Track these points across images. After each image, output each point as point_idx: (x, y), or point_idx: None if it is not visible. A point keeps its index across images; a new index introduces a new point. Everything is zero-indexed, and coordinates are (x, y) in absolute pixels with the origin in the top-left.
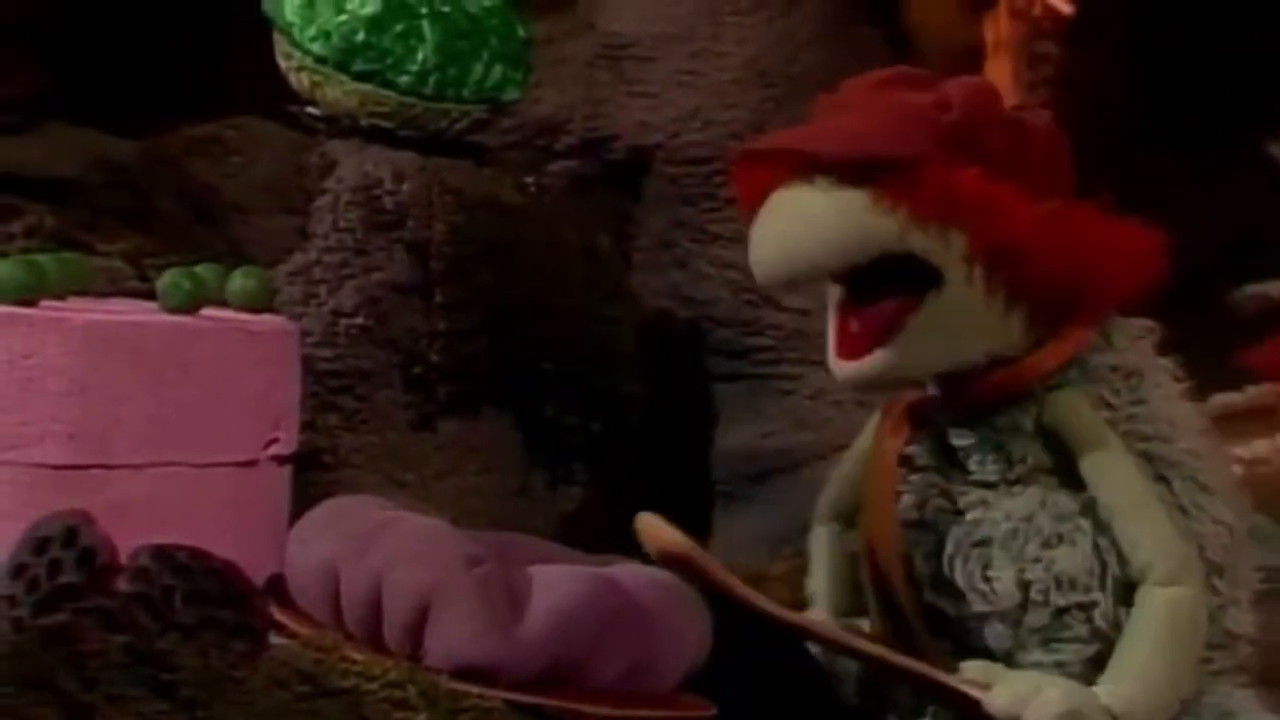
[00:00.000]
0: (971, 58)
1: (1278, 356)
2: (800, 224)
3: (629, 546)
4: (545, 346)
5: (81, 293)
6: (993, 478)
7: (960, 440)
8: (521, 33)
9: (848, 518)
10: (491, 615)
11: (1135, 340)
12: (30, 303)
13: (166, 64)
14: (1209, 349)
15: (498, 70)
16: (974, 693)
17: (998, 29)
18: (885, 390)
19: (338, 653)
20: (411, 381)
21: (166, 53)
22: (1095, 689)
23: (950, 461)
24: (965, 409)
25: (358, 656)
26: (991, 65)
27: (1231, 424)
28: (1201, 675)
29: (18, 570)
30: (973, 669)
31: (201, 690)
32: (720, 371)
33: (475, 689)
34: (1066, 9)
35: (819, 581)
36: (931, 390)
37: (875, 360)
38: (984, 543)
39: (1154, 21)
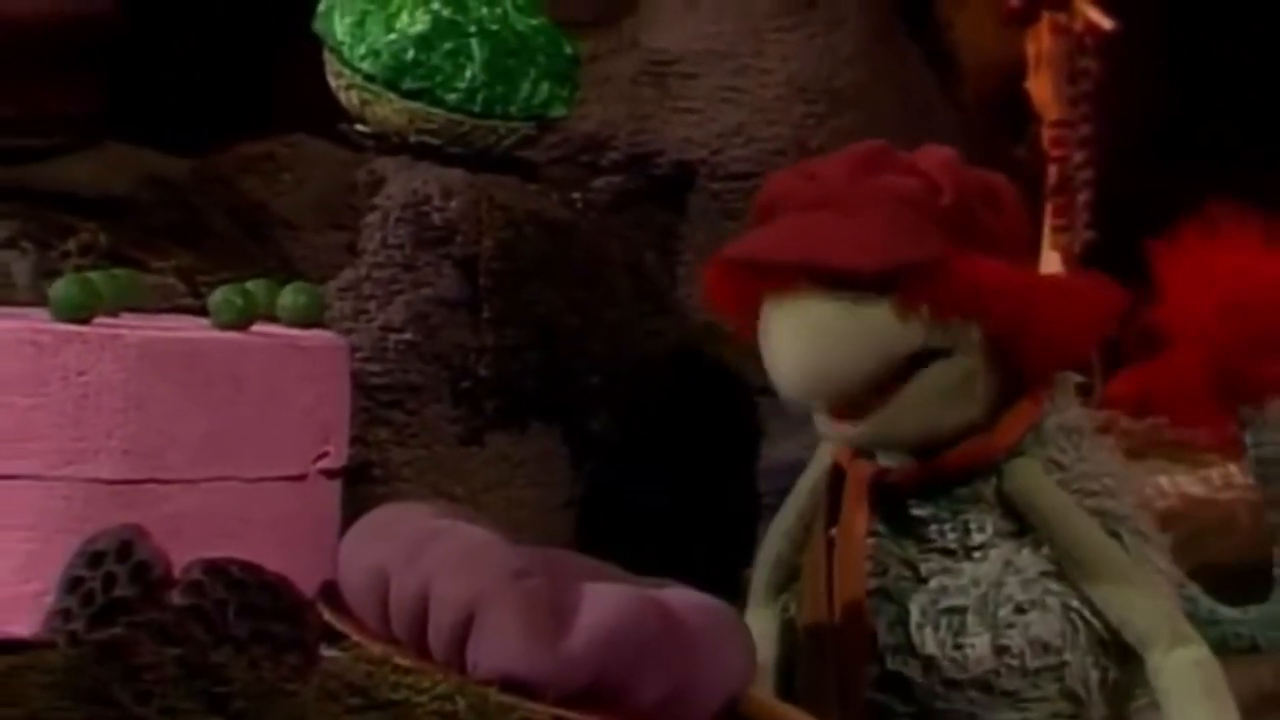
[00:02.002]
0: (1013, 73)
1: (1130, 388)
2: (829, 343)
3: (671, 559)
4: (592, 360)
5: (135, 309)
6: (953, 545)
7: (920, 510)
8: (568, 50)
9: (781, 587)
10: (535, 628)
11: (1073, 397)
12: (85, 320)
13: (218, 83)
14: None
15: (545, 87)
16: None
17: (1039, 44)
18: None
19: (388, 665)
20: (460, 396)
21: (218, 72)
22: None
23: (904, 530)
24: (928, 480)
25: (407, 665)
26: (1033, 80)
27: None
28: (1141, 709)
29: (73, 584)
30: None
31: (254, 703)
32: (764, 385)
33: (523, 703)
34: (1107, 25)
35: (769, 674)
36: (884, 461)
37: (869, 425)
38: (954, 610)
39: (1193, 37)
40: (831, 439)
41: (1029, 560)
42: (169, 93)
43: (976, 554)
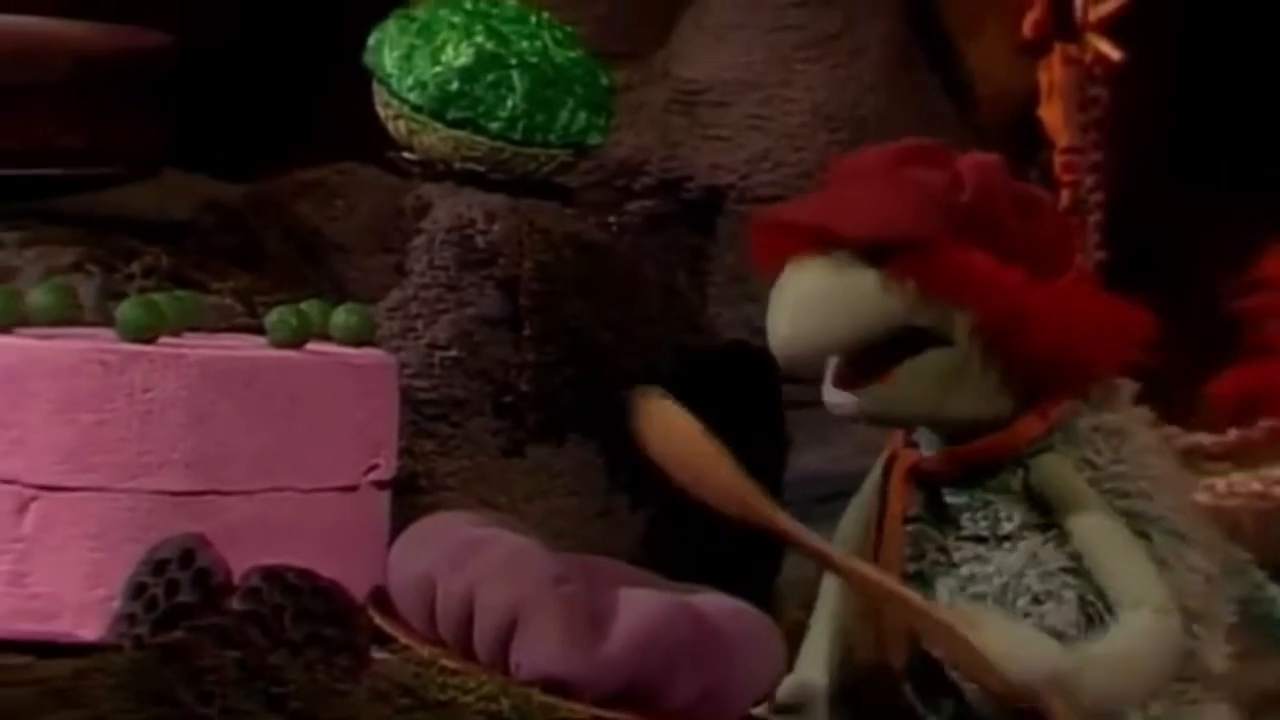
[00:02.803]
0: (1026, 101)
1: (1236, 386)
2: (816, 303)
3: (702, 565)
4: (627, 376)
5: (196, 329)
6: (984, 533)
7: (953, 499)
8: (604, 81)
9: None
10: (575, 632)
11: (1116, 401)
12: (150, 340)
13: (273, 113)
14: None
15: (582, 117)
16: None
17: (1051, 74)
18: (876, 426)
19: (435, 666)
20: (502, 409)
21: (273, 103)
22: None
23: (942, 517)
24: (958, 470)
25: (453, 666)
26: (1046, 108)
27: (1205, 462)
28: (1180, 706)
29: (137, 590)
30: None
31: (309, 703)
32: (790, 399)
33: (563, 703)
34: (1115, 55)
35: (821, 635)
36: (926, 451)
37: (867, 394)
38: (979, 597)
39: (1198, 67)
40: (829, 406)
41: (1051, 554)
42: (227, 123)
43: (1006, 544)
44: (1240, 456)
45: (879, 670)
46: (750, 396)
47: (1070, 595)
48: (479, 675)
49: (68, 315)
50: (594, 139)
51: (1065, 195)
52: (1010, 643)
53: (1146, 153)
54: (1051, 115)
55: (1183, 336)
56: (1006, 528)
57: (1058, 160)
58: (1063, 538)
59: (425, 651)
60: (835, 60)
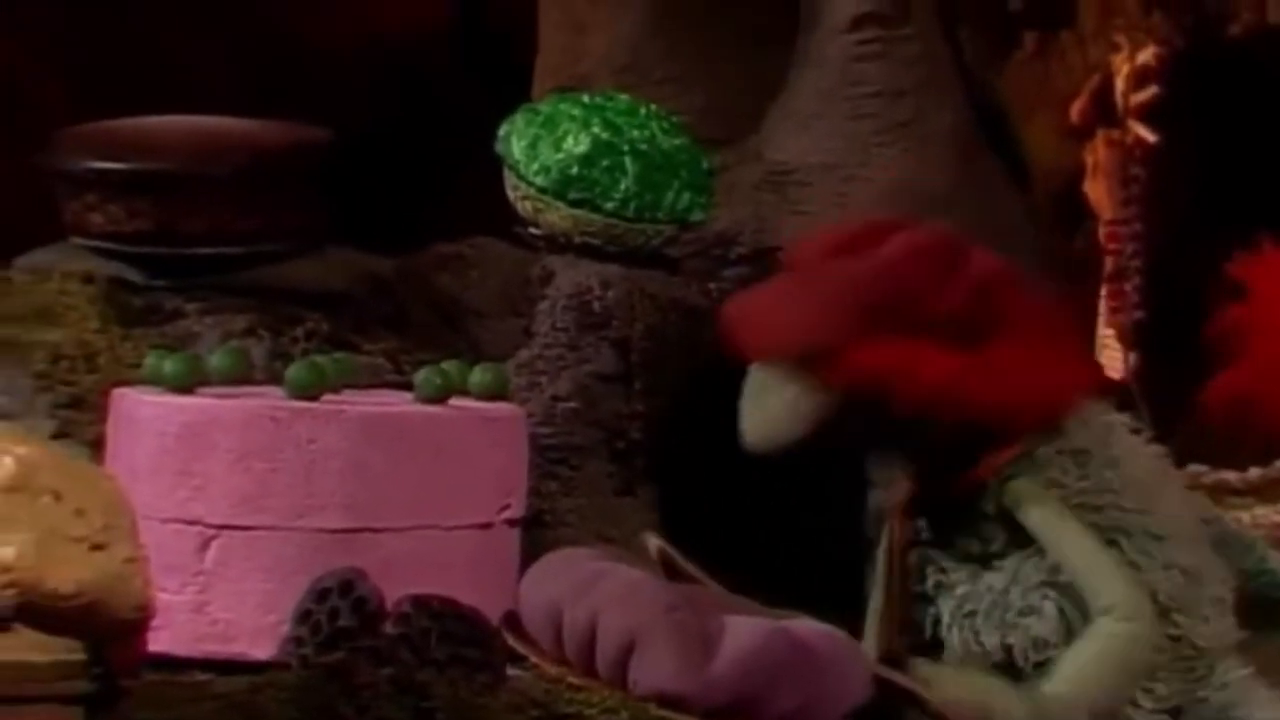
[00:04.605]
0: (1074, 178)
1: (1229, 390)
2: (762, 408)
3: (793, 593)
4: (724, 423)
5: (353, 387)
6: (976, 553)
7: (944, 523)
8: (705, 165)
9: None
10: (686, 654)
11: (1084, 423)
12: (314, 397)
13: (417, 196)
14: None
15: (686, 196)
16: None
17: (1096, 155)
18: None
19: (563, 683)
20: (615, 454)
21: (417, 187)
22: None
23: (940, 542)
24: (942, 499)
25: (578, 683)
26: (1091, 184)
27: (1230, 497)
28: (1184, 685)
29: (303, 616)
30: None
31: (453, 715)
32: None
33: (676, 717)
34: (1152, 138)
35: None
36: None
37: None
38: (971, 615)
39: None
40: None
41: (1032, 570)
42: (378, 205)
43: (996, 563)
44: (1263, 491)
45: None
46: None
47: (1050, 608)
48: (601, 691)
49: (242, 375)
50: (697, 216)
51: (1109, 262)
52: (966, 697)
53: (1181, 224)
54: (1096, 191)
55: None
56: (994, 548)
57: (1102, 231)
58: (1041, 554)
59: (554, 670)
60: (907, 144)
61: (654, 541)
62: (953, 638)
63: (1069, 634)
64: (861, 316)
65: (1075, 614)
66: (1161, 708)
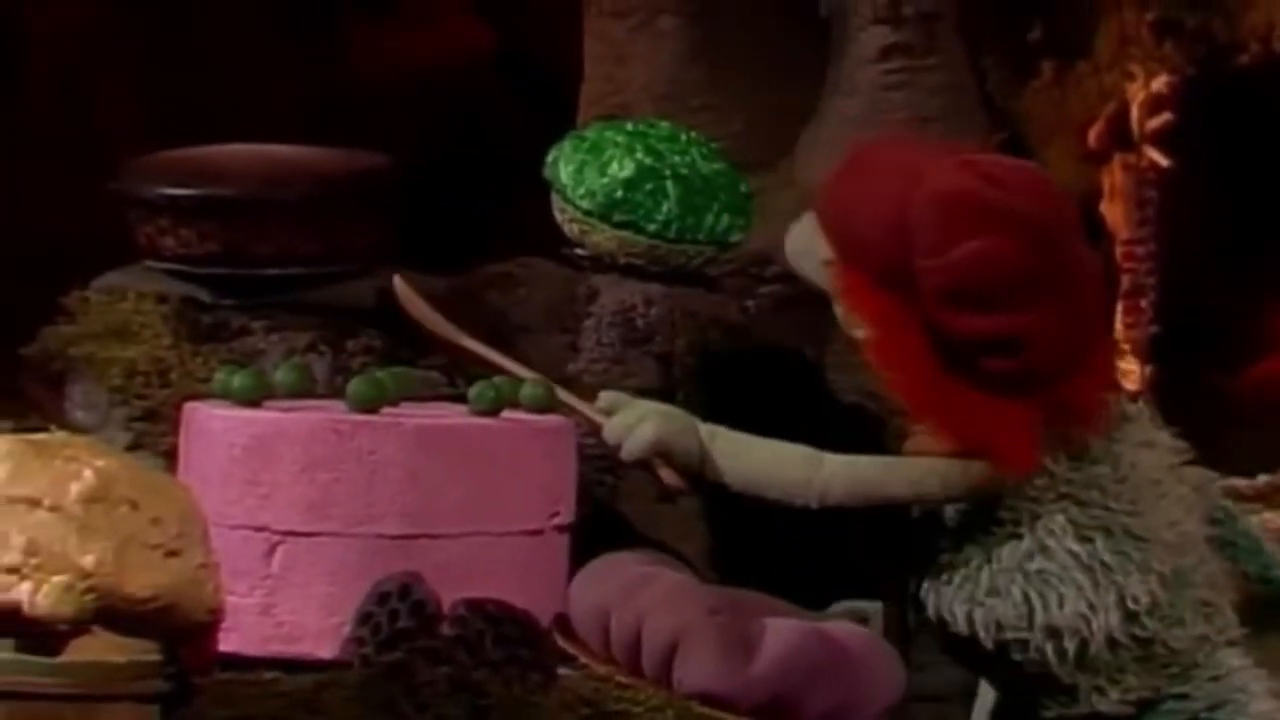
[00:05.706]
0: (1091, 200)
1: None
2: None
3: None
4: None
5: (410, 400)
6: (974, 532)
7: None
8: (743, 188)
9: None
10: (728, 655)
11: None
12: (373, 410)
13: (469, 218)
14: None
15: (725, 218)
16: (597, 418)
17: (1112, 178)
18: None
19: (611, 682)
20: None
21: (469, 209)
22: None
23: (943, 519)
24: None
25: (626, 682)
26: (1107, 206)
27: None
28: (1155, 681)
29: (364, 618)
30: (605, 399)
31: (508, 713)
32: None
33: (719, 714)
34: (1165, 162)
35: None
36: None
37: None
38: (947, 583)
39: (1236, 170)
40: None
41: (1007, 553)
42: (432, 227)
43: (979, 538)
44: (1270, 498)
45: None
46: (867, 452)
47: (1017, 592)
48: (647, 690)
49: (305, 389)
50: (735, 237)
51: (1125, 280)
52: (624, 428)
53: (1193, 243)
54: (1113, 213)
55: (1225, 399)
56: (985, 527)
57: (1119, 250)
58: (1019, 539)
59: (602, 670)
60: None
61: (397, 280)
62: (928, 600)
63: (1030, 620)
64: (885, 264)
65: (1040, 602)
66: (1128, 699)
